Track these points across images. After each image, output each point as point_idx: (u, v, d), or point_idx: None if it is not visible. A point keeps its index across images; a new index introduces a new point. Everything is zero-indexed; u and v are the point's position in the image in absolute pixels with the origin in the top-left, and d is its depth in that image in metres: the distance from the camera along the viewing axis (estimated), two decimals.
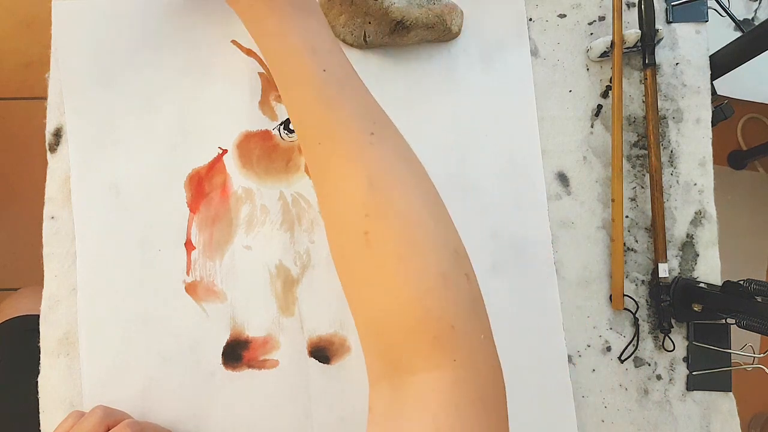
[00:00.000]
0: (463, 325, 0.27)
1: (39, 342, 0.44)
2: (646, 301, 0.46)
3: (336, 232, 0.31)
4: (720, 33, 0.80)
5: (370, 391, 0.29)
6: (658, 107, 0.47)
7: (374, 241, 0.28)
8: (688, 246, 0.47)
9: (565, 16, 0.49)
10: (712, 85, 0.49)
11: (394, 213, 0.28)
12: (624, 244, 0.46)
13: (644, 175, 0.48)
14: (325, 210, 0.31)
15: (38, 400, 0.44)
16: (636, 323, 0.46)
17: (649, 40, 0.46)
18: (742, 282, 0.41)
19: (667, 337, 0.46)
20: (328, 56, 0.32)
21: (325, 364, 0.44)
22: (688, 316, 0.45)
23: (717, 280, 0.46)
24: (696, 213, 0.47)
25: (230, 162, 0.46)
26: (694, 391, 0.46)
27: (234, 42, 0.47)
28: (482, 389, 0.27)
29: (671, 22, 0.49)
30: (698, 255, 0.47)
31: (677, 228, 0.47)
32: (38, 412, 0.44)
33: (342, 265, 0.30)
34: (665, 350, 0.46)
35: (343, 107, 0.31)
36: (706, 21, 0.49)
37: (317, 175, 0.32)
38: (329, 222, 0.31)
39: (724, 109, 0.52)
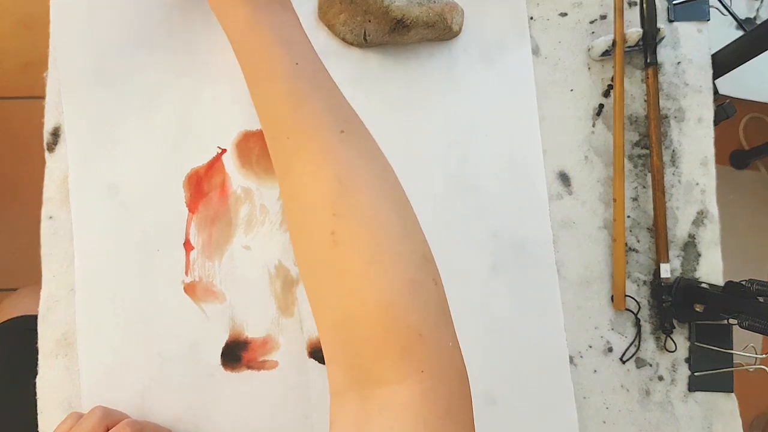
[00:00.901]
0: (431, 334, 0.26)
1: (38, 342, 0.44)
2: (648, 301, 0.46)
3: (301, 231, 0.30)
4: (722, 32, 0.80)
5: (332, 402, 0.28)
6: (660, 106, 0.47)
7: (341, 242, 0.27)
8: (690, 246, 0.47)
9: (566, 14, 0.49)
10: (714, 84, 0.48)
11: (363, 214, 0.27)
12: (625, 244, 0.46)
13: (646, 174, 0.47)
14: (290, 207, 0.30)
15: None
16: (637, 324, 0.46)
17: (650, 39, 0.46)
18: (744, 282, 0.40)
19: (668, 338, 0.45)
20: (299, 50, 0.32)
21: (325, 365, 0.44)
22: (689, 317, 0.45)
23: (719, 280, 0.46)
24: (698, 213, 0.47)
25: (229, 161, 0.46)
26: (696, 392, 0.45)
27: None
28: (450, 400, 0.26)
29: (673, 21, 0.48)
30: (700, 255, 0.47)
31: (679, 228, 0.47)
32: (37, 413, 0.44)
33: (306, 266, 0.29)
34: (667, 351, 0.46)
35: (314, 103, 0.30)
36: (708, 20, 0.49)
37: (283, 170, 0.31)
38: (294, 220, 0.30)
39: (726, 109, 0.51)
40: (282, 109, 0.30)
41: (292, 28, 0.32)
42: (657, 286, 0.45)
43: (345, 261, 0.27)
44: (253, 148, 0.46)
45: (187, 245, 0.45)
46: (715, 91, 0.49)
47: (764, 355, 0.44)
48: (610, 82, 0.48)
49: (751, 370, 0.44)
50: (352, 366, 0.28)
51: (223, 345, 0.44)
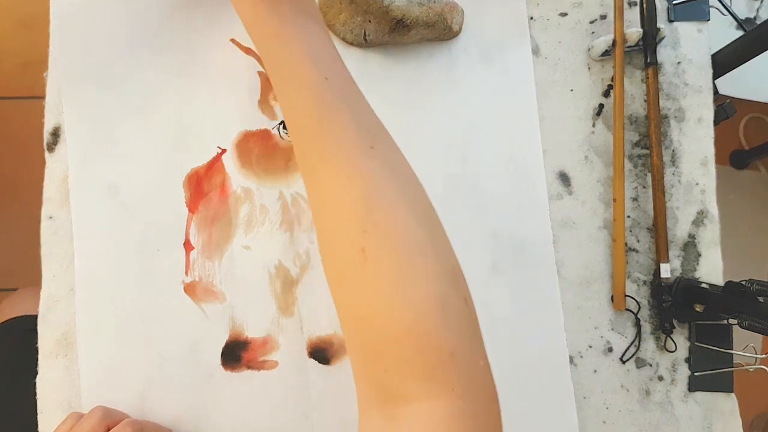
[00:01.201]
0: (462, 353, 0.26)
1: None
2: (648, 301, 0.46)
3: (330, 246, 0.29)
4: (722, 32, 0.80)
5: (360, 417, 0.28)
6: (660, 106, 0.47)
7: (371, 258, 0.27)
8: (690, 246, 0.47)
9: (566, 14, 0.49)
10: (714, 84, 0.48)
11: (392, 231, 0.27)
12: (626, 244, 0.46)
13: (646, 174, 0.47)
14: (320, 222, 0.30)
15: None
16: (637, 324, 0.46)
17: (650, 39, 0.46)
18: (744, 282, 0.40)
19: (668, 338, 0.45)
20: (329, 64, 0.31)
21: (325, 365, 0.44)
22: (689, 317, 0.45)
23: (719, 280, 0.46)
24: (698, 213, 0.47)
25: (229, 161, 0.46)
26: (696, 392, 0.45)
27: (233, 41, 0.47)
28: (480, 422, 0.26)
29: (673, 21, 0.48)
30: (700, 255, 0.47)
31: (679, 228, 0.47)
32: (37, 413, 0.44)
33: (335, 281, 0.29)
34: (667, 351, 0.46)
35: (344, 118, 0.30)
36: (708, 20, 0.49)
37: (313, 185, 0.31)
38: (324, 235, 0.30)
39: (726, 109, 0.51)
40: (310, 123, 0.30)
41: (320, 41, 0.32)
42: (657, 286, 0.45)
43: (375, 278, 0.27)
44: (253, 148, 0.46)
45: (187, 245, 0.45)
46: (715, 91, 0.49)
47: (764, 355, 0.44)
48: (610, 82, 0.48)
49: (751, 370, 0.44)
50: (380, 382, 0.27)
51: (223, 345, 0.44)
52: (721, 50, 0.57)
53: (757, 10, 0.82)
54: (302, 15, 0.32)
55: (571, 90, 0.48)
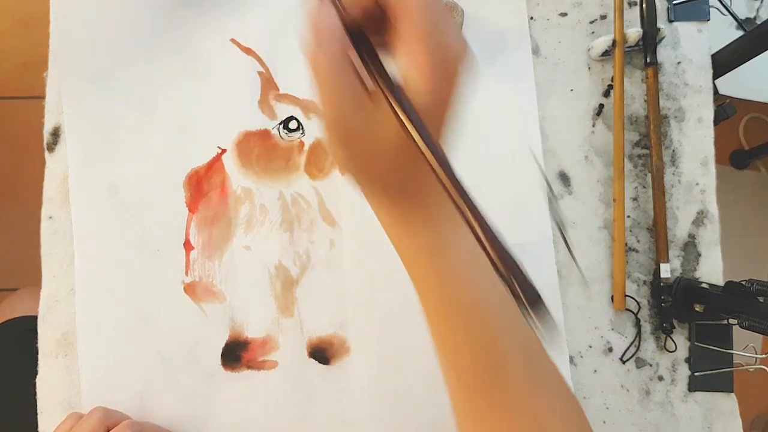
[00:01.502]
0: None
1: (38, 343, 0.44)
2: (648, 301, 0.46)
3: None
4: (722, 32, 0.80)
5: None
6: (660, 106, 0.47)
7: None
8: (690, 246, 0.47)
9: (566, 14, 0.49)
10: (714, 84, 0.48)
11: None
12: (626, 244, 0.46)
13: (646, 174, 0.47)
14: None
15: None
16: (638, 324, 0.46)
17: (650, 39, 0.46)
18: (744, 282, 0.40)
19: (668, 338, 0.45)
20: (484, 281, 0.27)
21: (325, 365, 0.44)
22: (690, 317, 0.45)
23: (719, 280, 0.46)
24: (698, 213, 0.47)
25: (229, 161, 0.46)
26: (696, 392, 0.45)
27: (233, 40, 0.47)
28: None
29: (673, 21, 0.48)
30: (700, 255, 0.47)
31: (679, 228, 0.47)
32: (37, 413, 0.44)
33: None
34: (667, 351, 0.46)
35: (506, 346, 0.26)
36: (708, 20, 0.49)
37: (469, 419, 0.27)
38: None
39: (726, 109, 0.51)
40: (470, 355, 0.26)
41: (472, 252, 0.26)
42: (657, 286, 0.45)
43: None
44: (253, 148, 0.46)
45: (187, 245, 0.45)
46: (715, 91, 0.49)
47: (764, 355, 0.44)
48: (610, 82, 0.48)
49: (751, 370, 0.44)
50: None
51: (223, 345, 0.44)
52: (721, 50, 0.57)
53: (757, 10, 0.82)
54: (452, 223, 0.26)
55: (571, 90, 0.48)
